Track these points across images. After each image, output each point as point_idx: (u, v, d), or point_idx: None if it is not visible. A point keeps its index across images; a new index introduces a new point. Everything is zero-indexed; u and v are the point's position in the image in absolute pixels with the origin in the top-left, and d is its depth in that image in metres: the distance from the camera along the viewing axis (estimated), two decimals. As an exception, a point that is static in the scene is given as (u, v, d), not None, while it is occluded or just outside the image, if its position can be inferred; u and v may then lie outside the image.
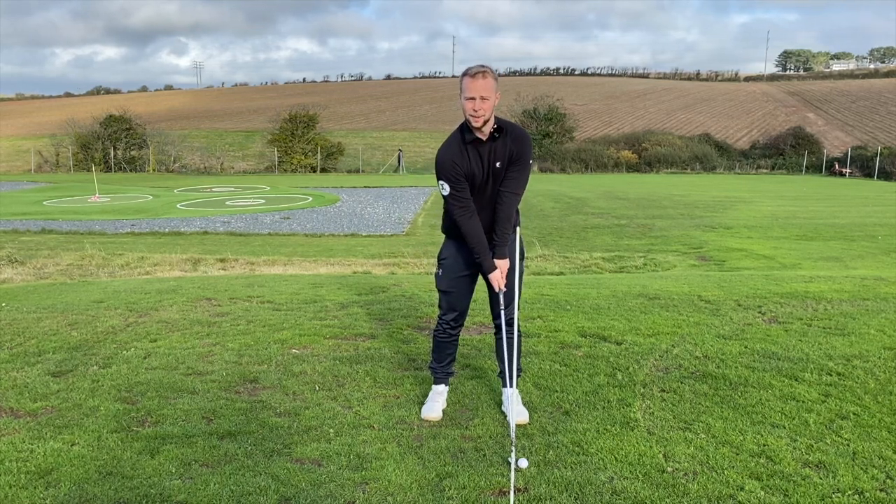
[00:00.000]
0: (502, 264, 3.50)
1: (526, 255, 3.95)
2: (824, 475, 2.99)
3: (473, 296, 3.79)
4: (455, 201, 3.43)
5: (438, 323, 3.77)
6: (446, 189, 3.42)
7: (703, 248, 13.29)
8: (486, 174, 3.42)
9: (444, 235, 3.74)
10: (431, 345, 3.89)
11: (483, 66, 3.30)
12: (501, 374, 3.81)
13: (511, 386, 3.49)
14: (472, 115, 3.29)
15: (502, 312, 3.51)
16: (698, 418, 3.60)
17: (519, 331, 3.72)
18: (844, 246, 13.20)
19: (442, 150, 3.44)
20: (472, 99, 3.26)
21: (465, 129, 3.39)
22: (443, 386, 3.80)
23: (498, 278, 3.50)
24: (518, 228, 3.65)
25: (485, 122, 3.31)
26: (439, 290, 3.72)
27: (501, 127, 3.38)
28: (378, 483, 2.95)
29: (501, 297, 3.51)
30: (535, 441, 3.35)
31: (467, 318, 4.10)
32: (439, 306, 3.75)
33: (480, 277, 3.68)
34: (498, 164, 3.42)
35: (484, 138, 3.37)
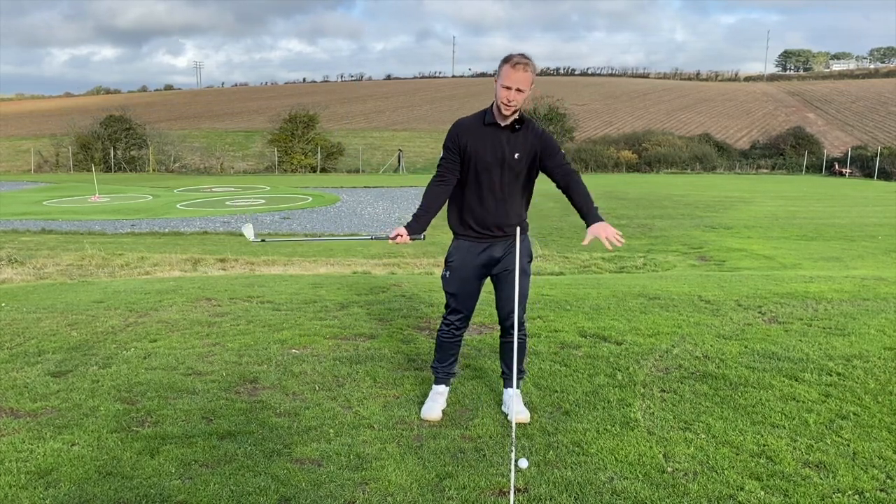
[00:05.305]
0: (602, 227, 3.27)
1: (534, 256, 3.92)
2: (824, 475, 2.99)
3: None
4: (439, 169, 3.53)
5: (443, 324, 3.74)
6: (441, 155, 3.52)
7: (703, 248, 13.29)
8: (498, 161, 3.42)
9: (446, 237, 3.73)
10: (435, 345, 3.85)
11: (526, 58, 3.29)
12: (504, 374, 3.80)
13: (513, 387, 3.49)
14: (504, 104, 3.31)
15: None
16: (698, 418, 3.60)
17: (524, 333, 3.69)
18: (844, 246, 13.20)
19: (459, 121, 3.52)
20: (509, 88, 3.27)
21: (489, 111, 3.43)
22: (444, 386, 3.79)
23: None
24: (519, 229, 3.61)
25: (514, 112, 3.36)
26: (446, 292, 3.69)
27: (522, 119, 3.42)
28: (378, 483, 2.95)
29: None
30: (535, 441, 3.35)
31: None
32: (445, 307, 3.72)
33: (488, 280, 3.67)
34: (516, 156, 3.43)
35: (503, 125, 3.40)
